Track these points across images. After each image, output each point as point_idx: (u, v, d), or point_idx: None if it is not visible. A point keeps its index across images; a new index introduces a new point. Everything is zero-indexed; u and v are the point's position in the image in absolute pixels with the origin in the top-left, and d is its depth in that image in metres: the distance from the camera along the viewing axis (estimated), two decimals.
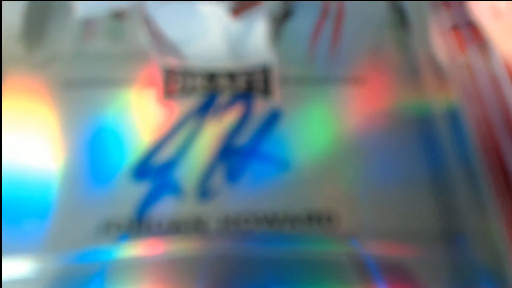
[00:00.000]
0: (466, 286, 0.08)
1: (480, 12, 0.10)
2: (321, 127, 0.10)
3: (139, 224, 0.08)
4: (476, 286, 0.08)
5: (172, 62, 0.10)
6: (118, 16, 0.11)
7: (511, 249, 0.08)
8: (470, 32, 0.11)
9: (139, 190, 0.09)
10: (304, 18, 0.11)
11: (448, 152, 0.09)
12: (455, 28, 0.11)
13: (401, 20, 0.11)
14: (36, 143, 0.09)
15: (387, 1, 0.12)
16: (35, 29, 0.11)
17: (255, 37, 0.11)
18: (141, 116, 0.10)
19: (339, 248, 0.08)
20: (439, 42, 0.11)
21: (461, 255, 0.08)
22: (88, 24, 0.11)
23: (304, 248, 0.08)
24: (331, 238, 0.08)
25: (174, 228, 0.08)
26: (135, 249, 0.08)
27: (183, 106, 0.10)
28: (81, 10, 0.11)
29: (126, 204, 0.09)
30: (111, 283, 0.07)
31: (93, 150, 0.09)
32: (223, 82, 0.10)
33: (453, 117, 0.10)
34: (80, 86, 0.10)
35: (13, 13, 0.11)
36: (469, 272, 0.08)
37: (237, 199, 0.09)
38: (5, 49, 0.11)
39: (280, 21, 0.11)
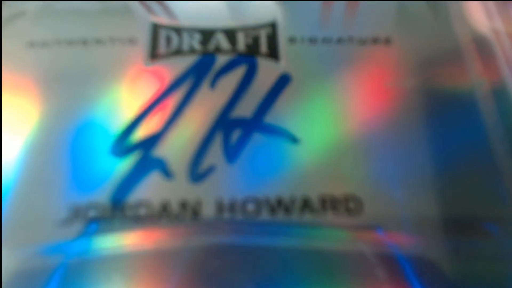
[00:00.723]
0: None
1: None
2: (337, 97, 0.08)
3: (113, 212, 0.07)
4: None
5: (160, 19, 0.09)
6: None
7: None
8: None
9: (117, 170, 0.07)
10: None
11: (494, 136, 0.08)
12: None
13: None
14: None
15: None
16: None
17: None
18: (123, 82, 0.08)
19: (359, 239, 0.07)
20: (477, 9, 0.09)
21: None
22: None
23: (316, 239, 0.07)
24: (350, 228, 0.07)
25: (158, 215, 0.07)
26: (107, 242, 0.07)
27: (172, 70, 0.08)
28: None
29: (100, 187, 0.07)
30: (72, 281, 0.06)
31: (62, 122, 0.08)
32: (221, 42, 0.08)
33: (500, 96, 0.08)
34: (48, 47, 0.08)
35: None
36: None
37: (235, 180, 0.07)
38: None
39: None
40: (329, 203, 0.07)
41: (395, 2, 0.09)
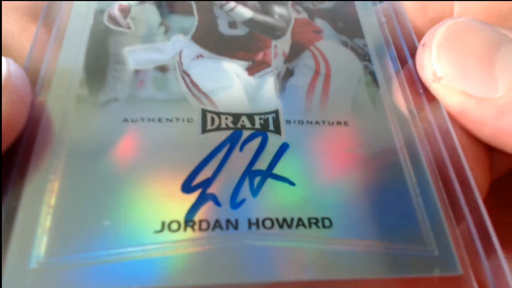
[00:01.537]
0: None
1: (426, 76, 0.15)
2: (317, 157, 0.13)
3: (185, 225, 0.12)
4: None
5: (207, 106, 0.14)
6: (161, 69, 0.15)
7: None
8: (425, 91, 0.15)
9: (187, 201, 0.12)
10: (302, 77, 0.15)
11: (408, 175, 0.13)
12: (414, 87, 0.15)
13: (373, 80, 0.16)
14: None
15: (363, 64, 0.16)
16: (96, 78, 0.14)
17: (266, 90, 0.15)
18: (186, 147, 0.13)
19: (329, 242, 0.12)
20: (401, 98, 0.15)
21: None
22: (138, 74, 0.15)
23: (303, 242, 0.12)
24: (325, 237, 0.12)
25: (212, 228, 0.12)
26: (184, 244, 0.11)
27: (215, 140, 0.13)
28: (132, 63, 0.15)
29: (176, 212, 0.12)
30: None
31: (148, 168, 0.12)
32: (245, 123, 0.14)
33: (412, 152, 0.14)
34: (137, 122, 0.13)
35: (76, 61, 0.14)
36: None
37: (258, 208, 0.12)
38: (71, 90, 0.14)
39: (283, 79, 0.15)
40: (314, 222, 0.12)
41: (351, 97, 0.15)
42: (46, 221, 0.11)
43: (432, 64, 0.14)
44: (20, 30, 0.16)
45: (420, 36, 0.17)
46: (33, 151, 0.12)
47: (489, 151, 0.14)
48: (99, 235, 0.11)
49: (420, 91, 0.15)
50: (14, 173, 0.12)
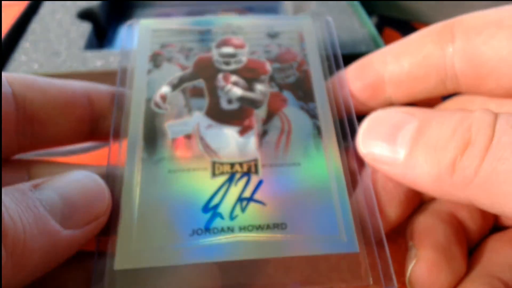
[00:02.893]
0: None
1: (359, 151, 0.24)
2: (280, 186, 0.23)
3: (206, 231, 0.21)
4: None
5: (215, 159, 0.24)
6: (188, 137, 0.25)
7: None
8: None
9: (205, 217, 0.22)
10: (272, 135, 0.25)
11: (334, 196, 0.22)
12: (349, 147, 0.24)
13: (318, 132, 0.25)
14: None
15: (313, 121, 0.25)
16: (151, 145, 0.24)
17: (250, 146, 0.24)
18: (202, 185, 0.23)
19: (287, 239, 0.21)
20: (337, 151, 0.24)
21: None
22: (174, 141, 0.25)
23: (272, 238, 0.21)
24: (282, 236, 0.21)
25: (220, 232, 0.21)
26: (207, 241, 0.21)
27: (220, 180, 0.23)
28: (171, 134, 0.25)
29: (199, 223, 0.22)
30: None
31: (183, 199, 0.22)
32: (237, 168, 0.23)
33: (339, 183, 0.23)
34: (176, 172, 0.23)
35: (137, 134, 0.25)
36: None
37: (245, 219, 0.22)
38: (137, 154, 0.24)
39: (261, 137, 0.25)
40: (276, 226, 0.22)
41: (303, 146, 0.24)
42: (134, 230, 0.21)
43: (360, 147, 0.22)
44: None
45: (355, 98, 0.26)
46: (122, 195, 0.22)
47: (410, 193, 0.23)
48: (161, 237, 0.21)
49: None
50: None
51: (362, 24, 0.37)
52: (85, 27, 0.39)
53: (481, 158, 0.16)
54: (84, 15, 0.41)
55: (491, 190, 0.16)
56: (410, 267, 0.21)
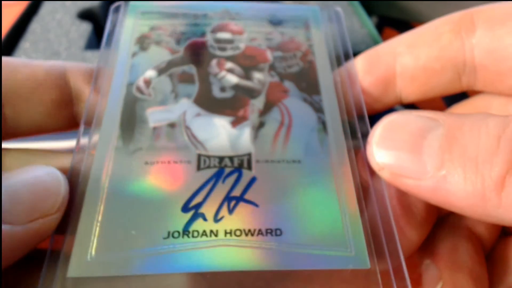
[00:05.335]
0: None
1: (373, 166, 0.18)
2: (276, 186, 0.19)
3: (183, 234, 0.18)
4: None
5: (201, 151, 0.20)
6: (171, 125, 0.21)
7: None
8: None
9: (184, 217, 0.18)
10: (270, 128, 0.21)
11: (340, 199, 0.19)
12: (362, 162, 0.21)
13: (324, 127, 0.21)
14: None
15: (317, 115, 0.22)
16: (128, 133, 0.21)
17: (243, 138, 0.21)
18: (185, 180, 0.19)
19: (281, 244, 0.17)
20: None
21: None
22: (156, 130, 0.21)
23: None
24: (276, 241, 0.18)
25: (201, 236, 0.18)
26: (183, 246, 0.17)
27: (206, 175, 0.19)
28: (151, 122, 0.21)
29: (176, 225, 0.18)
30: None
31: (160, 196, 0.19)
32: (227, 163, 0.20)
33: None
34: (154, 165, 0.20)
35: (114, 121, 0.21)
36: None
37: (232, 222, 0.18)
38: (111, 143, 0.20)
39: (257, 129, 0.21)
40: (269, 231, 0.18)
41: (305, 142, 0.21)
42: (96, 230, 0.17)
43: (375, 158, 0.18)
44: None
45: (366, 93, 0.22)
46: (87, 187, 0.19)
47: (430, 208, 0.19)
48: (128, 240, 0.17)
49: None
50: (75, 201, 0.18)
51: (362, 24, 0.36)
52: (85, 27, 0.38)
53: None
54: (84, 15, 0.40)
55: None
56: None
